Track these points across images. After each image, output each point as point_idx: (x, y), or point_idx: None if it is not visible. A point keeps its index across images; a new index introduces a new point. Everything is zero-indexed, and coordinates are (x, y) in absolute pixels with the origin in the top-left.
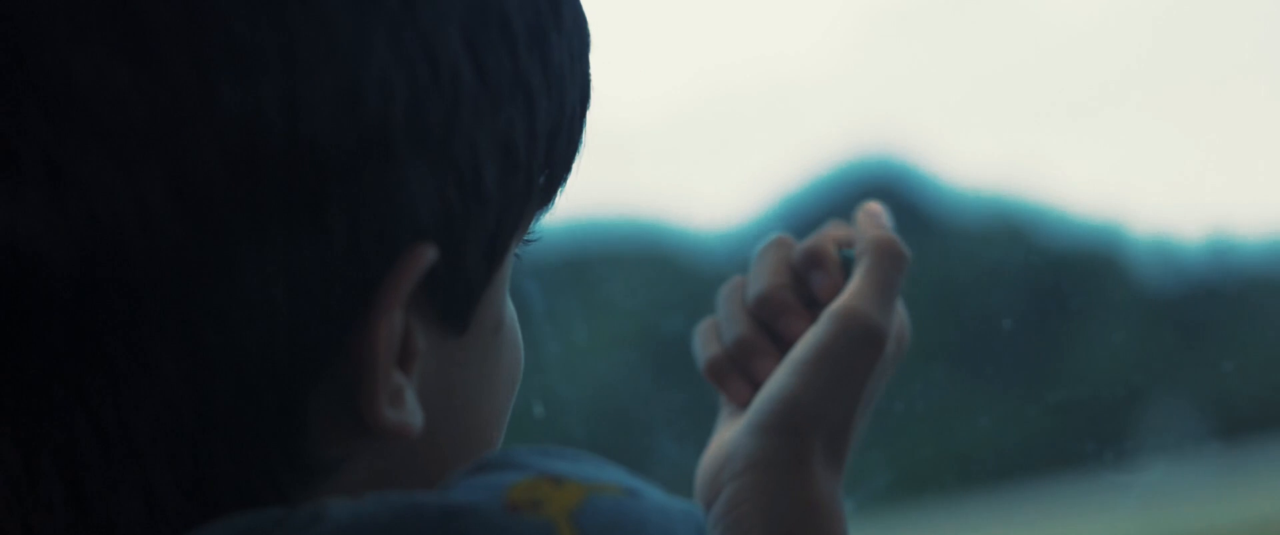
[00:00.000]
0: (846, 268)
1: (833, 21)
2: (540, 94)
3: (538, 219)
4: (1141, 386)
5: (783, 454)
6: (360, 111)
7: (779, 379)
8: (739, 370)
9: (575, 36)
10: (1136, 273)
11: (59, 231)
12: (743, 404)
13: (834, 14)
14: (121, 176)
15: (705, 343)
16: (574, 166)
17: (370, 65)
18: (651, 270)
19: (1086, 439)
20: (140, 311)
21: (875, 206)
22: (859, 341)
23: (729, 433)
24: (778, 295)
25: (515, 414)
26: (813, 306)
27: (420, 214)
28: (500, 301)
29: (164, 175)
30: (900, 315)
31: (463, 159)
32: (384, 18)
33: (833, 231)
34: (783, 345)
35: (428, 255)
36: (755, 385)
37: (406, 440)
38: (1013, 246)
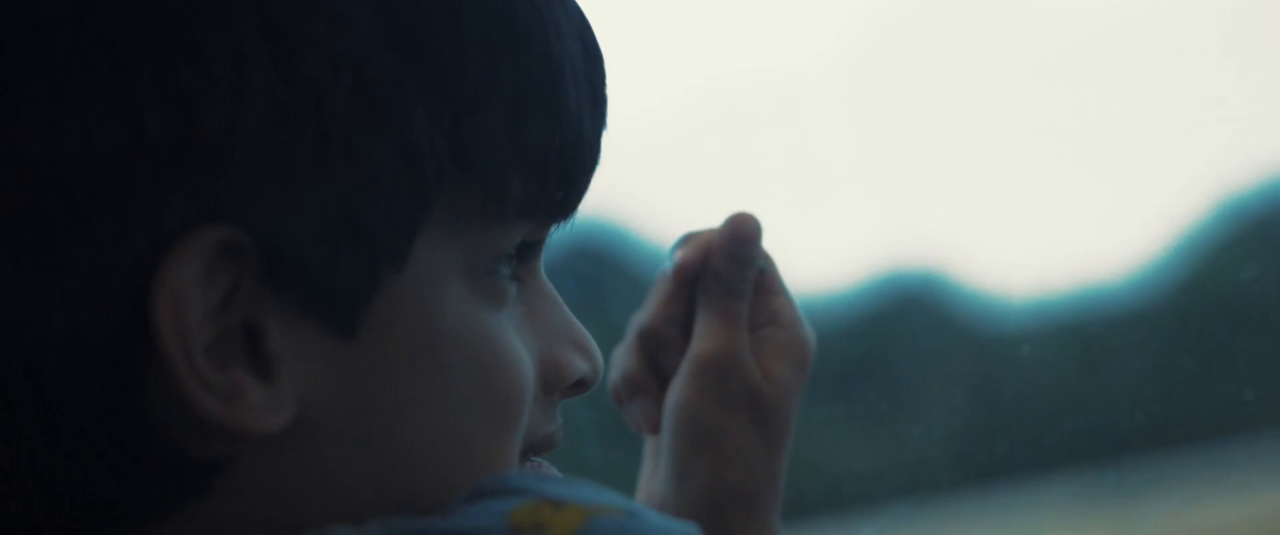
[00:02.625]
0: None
1: (838, 32)
2: (421, 91)
3: (513, 233)
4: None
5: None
6: (100, 117)
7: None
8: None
9: (499, 32)
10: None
11: None
12: (639, 430)
13: (839, 24)
14: None
15: (614, 368)
16: (555, 178)
17: (106, 67)
18: None
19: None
20: None
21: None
22: (714, 379)
23: (653, 483)
24: (660, 329)
25: None
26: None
27: (198, 201)
28: (431, 314)
29: None
30: (797, 329)
31: (262, 153)
32: (124, 22)
33: (694, 248)
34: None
35: (211, 235)
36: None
37: (309, 446)
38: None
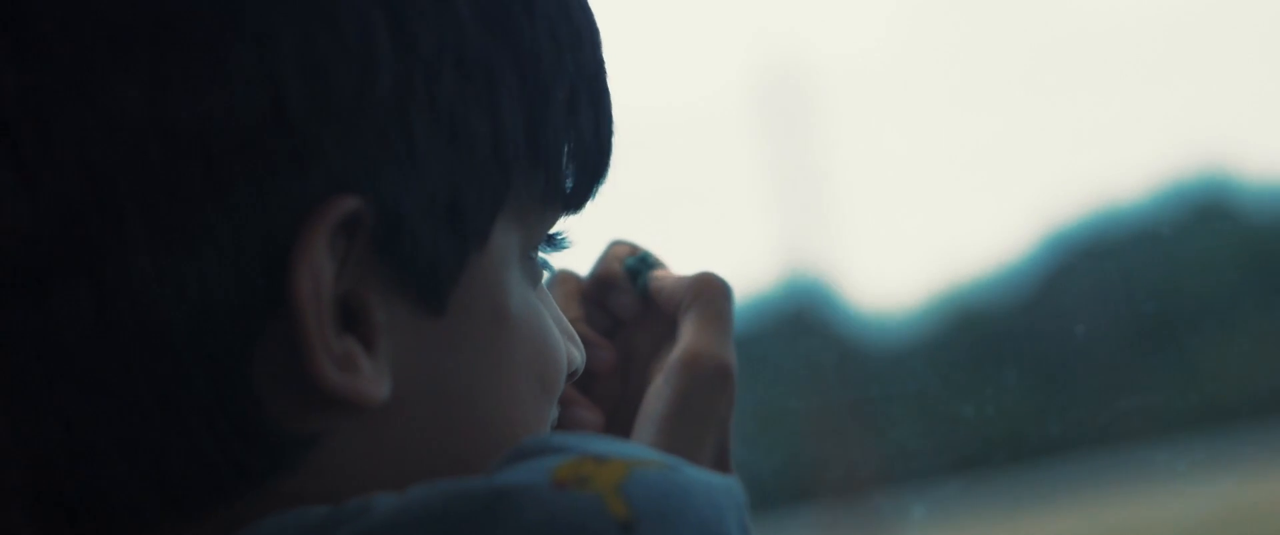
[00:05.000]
0: (634, 279)
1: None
2: (506, 76)
3: (552, 220)
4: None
5: None
6: (240, 79)
7: (642, 438)
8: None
9: (562, 26)
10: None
11: None
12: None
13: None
14: (11, 156)
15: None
16: (594, 169)
17: (249, 36)
18: None
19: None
20: (49, 288)
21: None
22: (711, 383)
23: None
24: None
25: None
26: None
27: (334, 171)
28: (501, 292)
29: (52, 158)
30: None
31: (387, 125)
32: None
33: (617, 250)
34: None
35: (345, 205)
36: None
37: (395, 421)
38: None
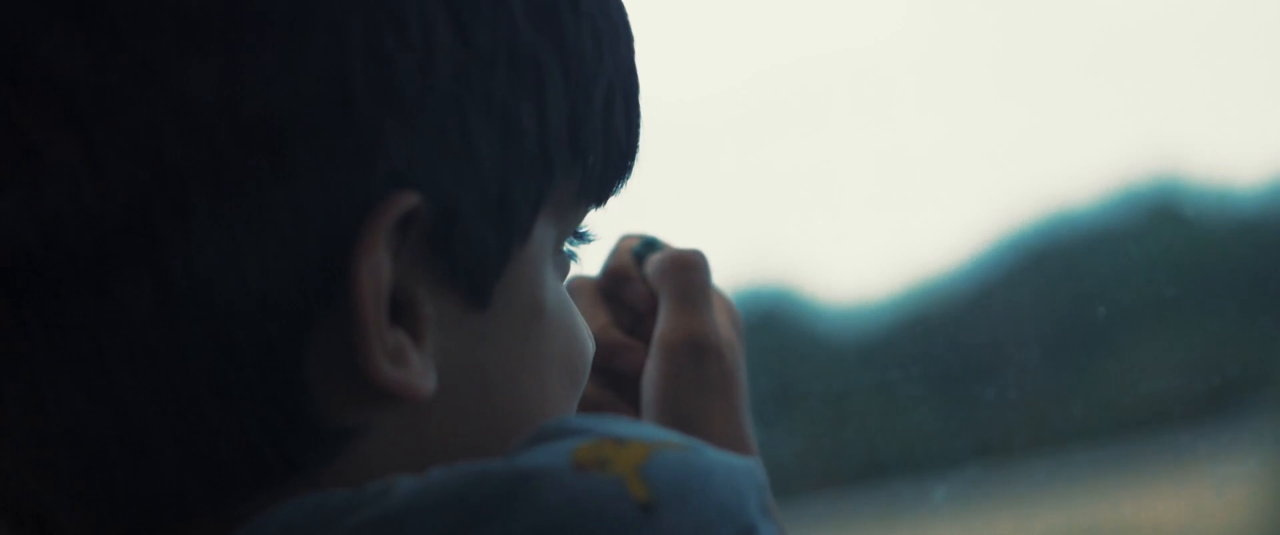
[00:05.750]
0: (640, 266)
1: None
2: (553, 73)
3: (583, 215)
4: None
5: None
6: (311, 69)
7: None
8: None
9: (602, 25)
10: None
11: (27, 201)
12: None
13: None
14: (79, 142)
15: None
16: (624, 166)
17: (320, 24)
18: None
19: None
20: (111, 275)
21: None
22: (691, 359)
23: None
24: (602, 338)
25: None
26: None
27: (396, 165)
28: (538, 286)
29: (120, 144)
30: (722, 298)
31: (445, 120)
32: None
33: (626, 243)
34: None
35: (406, 201)
36: None
37: (435, 414)
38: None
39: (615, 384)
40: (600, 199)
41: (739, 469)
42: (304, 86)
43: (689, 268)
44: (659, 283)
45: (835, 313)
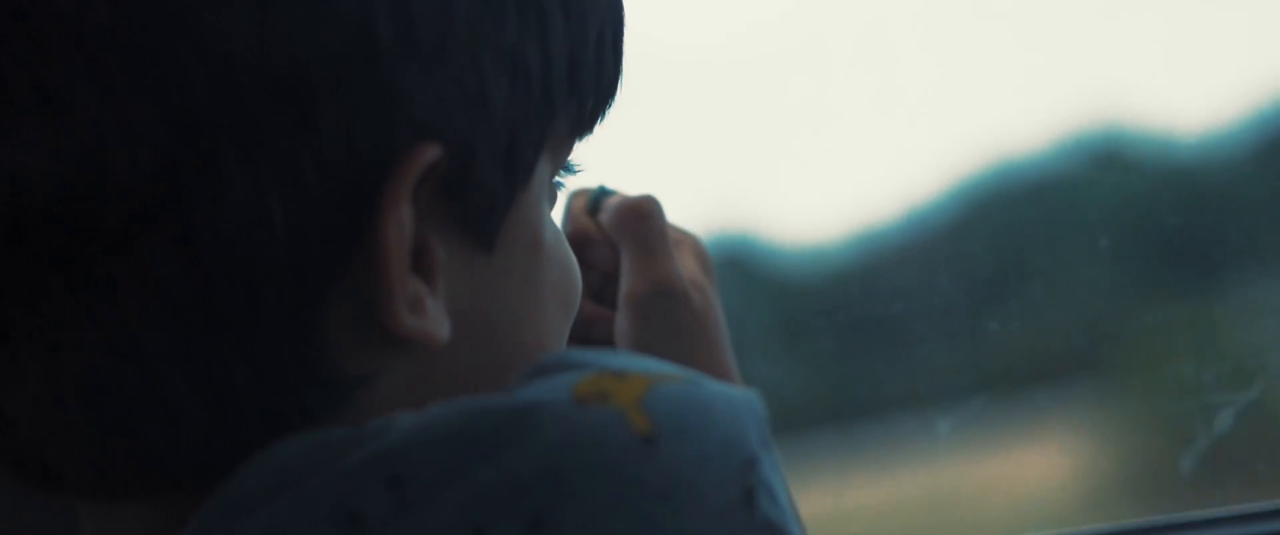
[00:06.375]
0: (595, 216)
1: None
2: (554, 14)
3: (572, 148)
4: None
5: None
6: (338, 18)
7: None
8: None
9: None
10: None
11: (52, 157)
12: None
13: None
14: (106, 98)
15: None
16: (612, 97)
17: None
18: None
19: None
20: (135, 227)
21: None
22: (659, 308)
23: None
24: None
25: None
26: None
27: (419, 116)
28: (537, 221)
29: (145, 94)
30: (687, 237)
31: (462, 68)
32: None
33: (577, 203)
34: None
35: (431, 152)
36: None
37: (441, 356)
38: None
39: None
40: (589, 130)
41: (739, 400)
42: (332, 38)
43: (642, 216)
44: (617, 236)
45: (788, 256)
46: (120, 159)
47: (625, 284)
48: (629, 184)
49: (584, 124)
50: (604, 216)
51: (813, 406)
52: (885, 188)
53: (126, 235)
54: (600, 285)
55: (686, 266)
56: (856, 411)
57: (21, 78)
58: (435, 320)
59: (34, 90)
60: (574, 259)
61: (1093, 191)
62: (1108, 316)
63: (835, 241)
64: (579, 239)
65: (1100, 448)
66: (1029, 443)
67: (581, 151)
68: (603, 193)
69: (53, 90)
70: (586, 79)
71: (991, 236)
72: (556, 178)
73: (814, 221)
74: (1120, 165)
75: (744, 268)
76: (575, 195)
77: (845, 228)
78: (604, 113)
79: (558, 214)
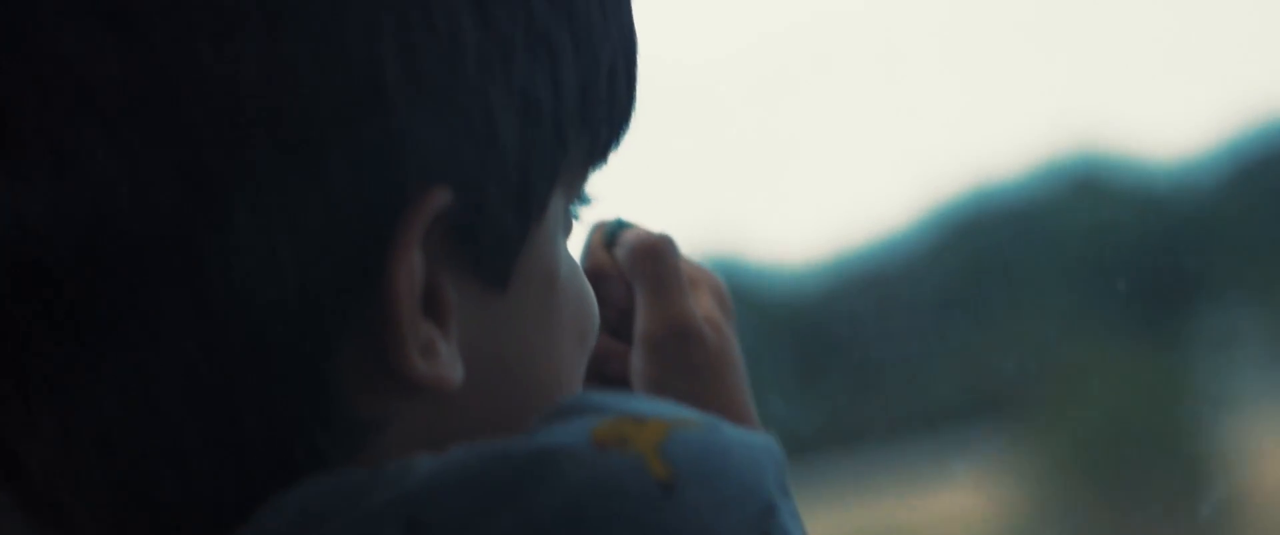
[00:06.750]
0: (611, 250)
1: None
2: (565, 49)
3: (587, 177)
4: None
5: None
6: (346, 62)
7: None
8: None
9: None
10: None
11: (61, 207)
12: None
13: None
14: (114, 148)
15: None
16: (626, 125)
17: (353, 17)
18: None
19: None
20: (146, 280)
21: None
22: (674, 349)
23: None
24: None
25: None
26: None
27: (428, 160)
28: (552, 256)
29: (153, 142)
30: (705, 275)
31: (471, 108)
32: None
33: (596, 238)
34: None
35: (440, 197)
36: None
37: (457, 397)
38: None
39: (608, 388)
40: (604, 160)
41: (757, 446)
42: (339, 82)
43: (656, 255)
44: (631, 275)
45: (757, 277)
46: (128, 208)
47: (640, 324)
48: (643, 217)
49: (598, 154)
50: (619, 253)
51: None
52: (861, 213)
53: (136, 285)
54: (617, 321)
55: (703, 304)
56: (821, 440)
57: (30, 126)
58: (448, 364)
59: (43, 139)
60: (591, 291)
61: (1067, 219)
62: (1053, 352)
63: (808, 265)
64: (596, 273)
65: (1022, 488)
66: (949, 484)
67: (596, 181)
68: (619, 226)
69: (61, 140)
70: (599, 110)
71: (963, 263)
72: (571, 207)
73: (789, 245)
74: (1097, 192)
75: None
76: (594, 229)
77: (819, 252)
78: (618, 142)
79: (577, 247)
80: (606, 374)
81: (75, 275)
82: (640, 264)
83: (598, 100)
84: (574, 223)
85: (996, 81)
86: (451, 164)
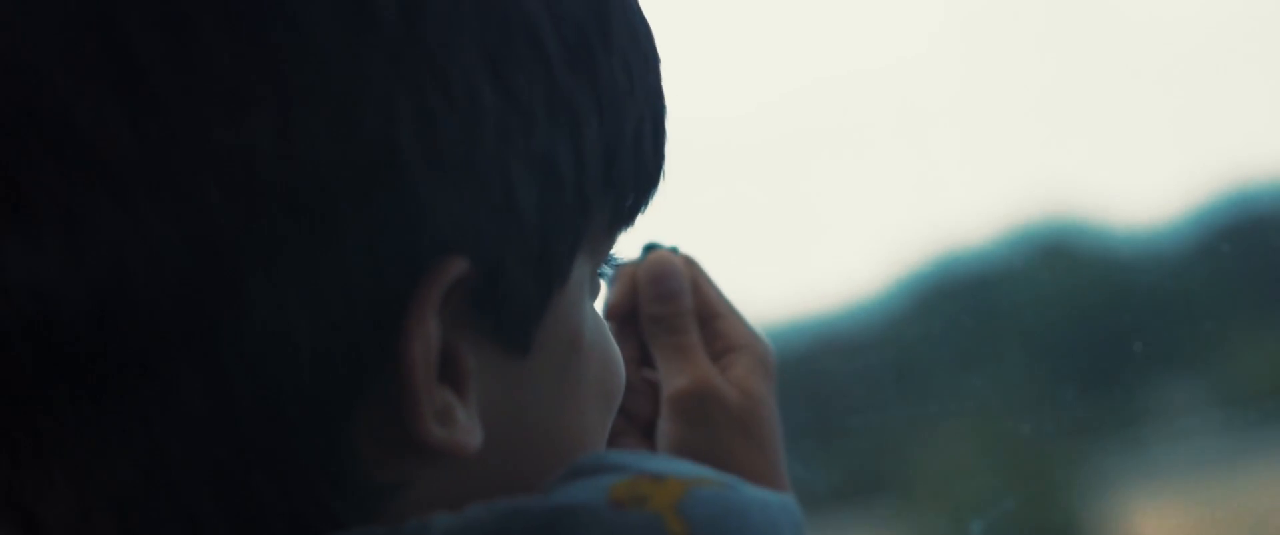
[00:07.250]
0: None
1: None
2: (588, 114)
3: (615, 241)
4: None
5: None
6: (360, 135)
7: None
8: None
9: (632, 54)
10: None
11: (74, 275)
12: None
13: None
14: (126, 216)
15: None
16: (654, 188)
17: (368, 89)
18: None
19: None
20: (160, 347)
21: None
22: (696, 410)
23: None
24: None
25: None
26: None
27: (444, 230)
28: (577, 319)
29: (166, 213)
30: (751, 343)
31: (490, 178)
32: (382, 42)
33: (625, 270)
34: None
35: (456, 268)
36: None
37: (476, 461)
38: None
39: (629, 419)
40: (630, 223)
41: (775, 506)
42: (354, 154)
43: (661, 322)
44: (649, 342)
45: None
46: (142, 278)
47: (664, 386)
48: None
49: (624, 218)
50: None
51: None
52: (831, 278)
53: (150, 353)
54: (643, 355)
55: (738, 368)
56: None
57: (44, 195)
58: (466, 430)
59: (56, 208)
60: (616, 350)
61: (1030, 286)
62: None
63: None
64: (620, 311)
65: None
66: None
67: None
68: (651, 250)
69: (74, 209)
70: (625, 174)
71: (929, 330)
72: (599, 269)
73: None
74: (1062, 259)
75: None
76: (622, 266)
77: (789, 316)
78: (646, 205)
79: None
80: (625, 406)
81: (88, 341)
82: (656, 319)
83: (623, 164)
84: (602, 282)
85: (964, 149)
86: (469, 233)
